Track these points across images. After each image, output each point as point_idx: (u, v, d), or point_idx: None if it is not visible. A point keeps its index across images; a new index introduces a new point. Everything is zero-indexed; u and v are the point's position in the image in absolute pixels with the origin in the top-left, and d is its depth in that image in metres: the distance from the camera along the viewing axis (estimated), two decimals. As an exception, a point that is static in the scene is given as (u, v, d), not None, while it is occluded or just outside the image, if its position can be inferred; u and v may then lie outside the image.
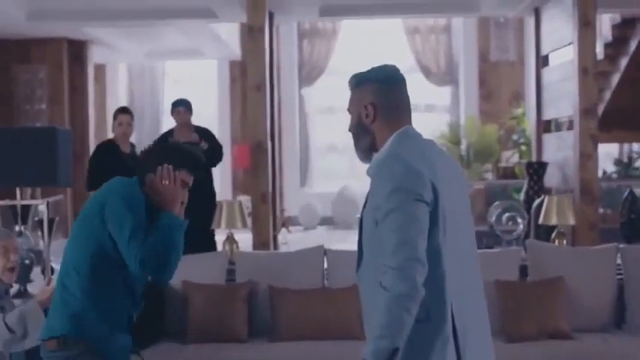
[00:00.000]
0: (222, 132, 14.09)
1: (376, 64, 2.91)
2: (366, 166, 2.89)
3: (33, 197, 8.99)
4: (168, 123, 10.40)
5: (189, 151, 3.56)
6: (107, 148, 7.11)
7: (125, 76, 15.45)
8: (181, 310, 5.35)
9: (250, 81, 7.73)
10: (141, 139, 13.98)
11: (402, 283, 2.55)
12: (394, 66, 2.89)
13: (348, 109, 2.90)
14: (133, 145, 7.24)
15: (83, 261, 3.30)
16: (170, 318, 5.42)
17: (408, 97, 2.86)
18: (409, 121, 2.84)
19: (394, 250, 2.58)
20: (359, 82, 2.84)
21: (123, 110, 7.22)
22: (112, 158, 6.88)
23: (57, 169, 5.57)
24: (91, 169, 7.02)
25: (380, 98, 2.80)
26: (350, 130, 2.90)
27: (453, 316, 2.68)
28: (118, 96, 14.76)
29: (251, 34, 7.77)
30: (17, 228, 6.15)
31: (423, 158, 2.71)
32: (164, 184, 3.39)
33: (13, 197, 6.10)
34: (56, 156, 5.56)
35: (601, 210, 10.84)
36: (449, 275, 2.68)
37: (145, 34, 12.04)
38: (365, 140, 2.85)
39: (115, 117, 7.11)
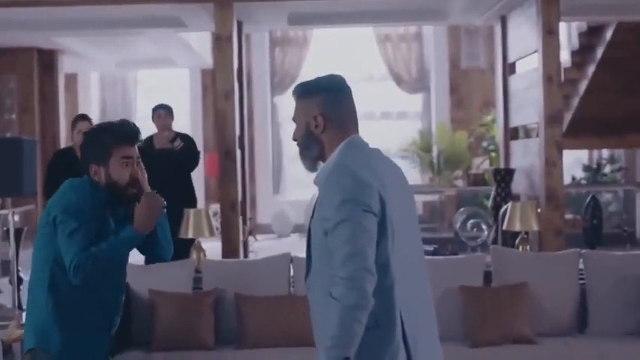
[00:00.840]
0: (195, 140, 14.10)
1: (322, 75, 2.95)
2: None
3: (3, 207, 8.98)
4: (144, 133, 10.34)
5: (113, 125, 3.43)
6: (64, 155, 7.05)
7: (97, 85, 15.42)
8: (148, 318, 5.37)
9: (219, 89, 7.76)
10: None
11: (352, 294, 2.59)
12: (340, 76, 2.93)
13: (294, 119, 2.93)
14: None
15: (42, 271, 3.30)
16: (136, 326, 5.43)
17: (354, 106, 2.91)
18: (356, 130, 2.90)
19: (344, 261, 2.62)
20: (307, 92, 2.89)
21: (82, 117, 7.16)
22: (69, 166, 6.84)
23: (22, 179, 5.56)
24: (47, 177, 7.00)
25: (329, 108, 2.85)
26: (295, 139, 2.94)
27: (402, 322, 2.72)
28: (90, 105, 14.73)
29: (219, 43, 7.80)
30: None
31: (370, 168, 2.76)
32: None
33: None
34: (21, 166, 5.55)
35: (570, 216, 10.94)
36: (397, 283, 2.73)
37: (116, 43, 12.03)
38: (313, 150, 2.88)
39: (73, 125, 7.04)
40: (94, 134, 3.41)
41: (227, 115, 7.70)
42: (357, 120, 2.92)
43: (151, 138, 7.76)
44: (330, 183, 2.76)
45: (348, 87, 2.91)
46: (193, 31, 10.17)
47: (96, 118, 15.16)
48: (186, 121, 14.25)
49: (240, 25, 8.66)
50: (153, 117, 7.74)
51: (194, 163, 7.69)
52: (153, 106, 7.84)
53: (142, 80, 15.79)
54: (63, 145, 11.85)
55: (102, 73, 15.26)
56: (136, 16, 9.16)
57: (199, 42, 12.36)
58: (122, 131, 3.36)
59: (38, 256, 3.34)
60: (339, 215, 2.67)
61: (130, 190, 3.33)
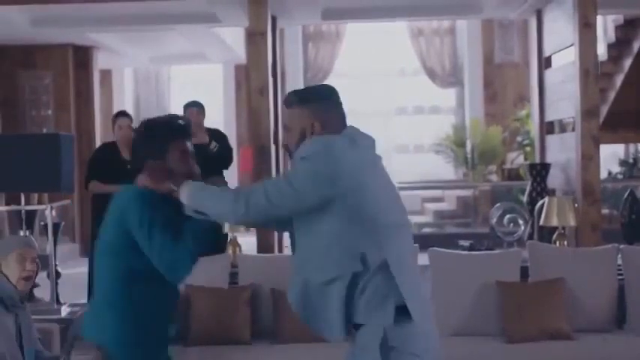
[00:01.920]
0: (228, 136, 14.14)
1: (314, 85, 3.36)
2: None
3: (40, 202, 9.07)
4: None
5: (167, 119, 3.37)
6: (108, 149, 7.15)
7: (131, 81, 15.51)
8: (184, 313, 5.38)
9: (253, 85, 7.76)
10: (147, 143, 14.01)
11: (248, 208, 2.94)
12: (331, 85, 3.17)
13: (287, 126, 3.11)
14: None
15: (112, 291, 3.22)
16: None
17: (344, 113, 3.13)
18: None
19: (274, 186, 2.96)
20: (303, 99, 3.08)
21: (122, 114, 7.26)
22: (112, 160, 6.94)
23: (60, 175, 5.60)
24: (90, 169, 7.07)
25: (325, 115, 3.05)
26: (287, 145, 3.13)
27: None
28: (124, 101, 14.82)
29: (253, 38, 7.80)
30: (22, 233, 6.20)
31: (350, 139, 3.00)
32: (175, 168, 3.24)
33: (19, 203, 6.15)
34: (59, 162, 5.60)
35: (606, 211, 10.85)
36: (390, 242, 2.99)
37: (149, 39, 12.09)
38: None
39: (114, 121, 7.16)
40: (149, 129, 3.32)
41: (261, 111, 7.70)
42: (346, 125, 3.11)
43: None
44: (306, 142, 3.01)
45: (339, 96, 3.13)
46: (227, 26, 10.20)
47: (130, 114, 15.29)
48: (220, 117, 14.30)
49: (274, 20, 8.66)
50: (185, 114, 7.76)
51: (229, 162, 7.72)
52: (184, 103, 7.86)
53: (176, 76, 15.86)
54: (98, 140, 11.94)
55: (136, 69, 15.35)
56: (171, 12, 9.20)
57: (233, 37, 12.40)
58: (177, 125, 3.32)
59: (108, 267, 3.27)
60: (300, 163, 2.95)
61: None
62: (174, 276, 3.14)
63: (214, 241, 3.29)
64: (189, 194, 3.08)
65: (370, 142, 3.09)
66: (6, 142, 5.94)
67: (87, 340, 3.27)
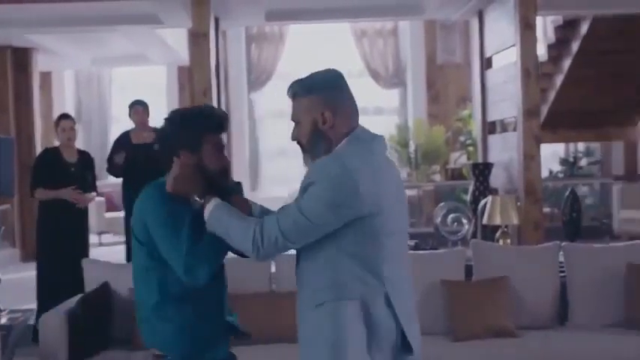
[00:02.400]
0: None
1: (317, 70, 2.94)
2: None
3: (-21, 208, 8.92)
4: (116, 130, 10.30)
5: (200, 110, 3.15)
6: (50, 154, 7.04)
7: (72, 83, 15.30)
8: (129, 317, 5.31)
9: (196, 86, 7.73)
10: (89, 145, 13.87)
11: (263, 249, 2.76)
12: (337, 70, 2.93)
13: (295, 118, 2.90)
14: (82, 152, 7.15)
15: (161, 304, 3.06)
16: (117, 325, 5.38)
17: (354, 97, 2.93)
18: (358, 121, 2.91)
19: (290, 223, 2.74)
20: (310, 88, 2.86)
21: (64, 116, 7.16)
22: (55, 165, 6.85)
23: (-1, 179, 5.50)
24: (34, 176, 6.96)
25: (335, 103, 2.84)
26: (298, 138, 2.91)
27: (391, 302, 2.82)
28: (65, 104, 14.61)
29: (196, 39, 7.77)
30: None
31: (366, 163, 2.78)
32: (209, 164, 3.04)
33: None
34: (-3, 165, 5.49)
35: (548, 209, 11.00)
36: (387, 267, 2.83)
37: (91, 40, 11.94)
38: (321, 147, 2.87)
39: (56, 124, 7.05)
40: (184, 119, 3.10)
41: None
42: (358, 111, 2.92)
43: (127, 133, 7.78)
44: (317, 166, 2.80)
45: (346, 81, 2.92)
46: (170, 27, 10.11)
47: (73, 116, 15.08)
48: (163, 119, 14.14)
49: (217, 21, 8.63)
50: (130, 113, 7.78)
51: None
52: (130, 102, 7.86)
53: (117, 78, 15.68)
54: (39, 143, 11.75)
55: (77, 71, 15.14)
56: (113, 13, 9.10)
57: (175, 39, 12.30)
58: (214, 117, 3.11)
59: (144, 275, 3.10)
60: (315, 191, 2.73)
61: (222, 180, 3.10)
62: (191, 281, 2.96)
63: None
64: (214, 217, 2.89)
65: (382, 144, 2.91)
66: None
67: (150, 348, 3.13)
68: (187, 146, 3.05)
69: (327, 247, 2.77)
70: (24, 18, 9.38)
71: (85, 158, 7.05)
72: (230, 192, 3.08)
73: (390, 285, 2.80)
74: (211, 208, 2.90)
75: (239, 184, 3.18)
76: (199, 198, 2.95)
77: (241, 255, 3.02)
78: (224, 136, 3.13)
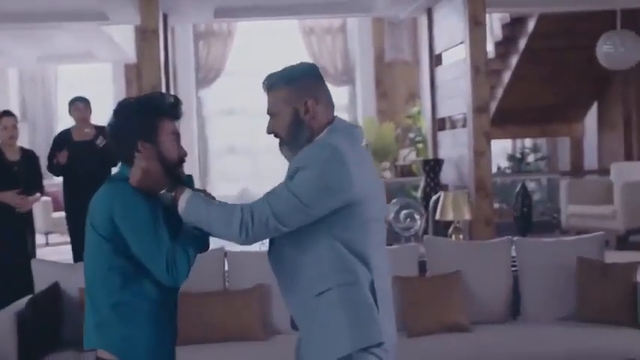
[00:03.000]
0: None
1: (287, 64, 2.95)
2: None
3: None
4: (63, 128, 10.11)
5: (152, 96, 3.00)
6: None
7: (16, 81, 15.03)
8: (79, 318, 5.22)
9: (145, 83, 7.64)
10: (34, 145, 13.63)
11: (251, 231, 2.72)
12: (311, 63, 2.99)
13: (273, 111, 2.88)
14: (25, 151, 6.99)
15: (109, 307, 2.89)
16: (67, 325, 5.29)
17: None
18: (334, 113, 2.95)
19: (282, 201, 2.73)
20: (289, 78, 2.86)
21: (6, 113, 6.97)
22: None
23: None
24: None
25: (318, 92, 2.86)
26: (275, 130, 2.89)
27: (374, 290, 2.82)
28: (9, 102, 14.34)
29: (144, 35, 7.67)
30: None
31: (354, 150, 2.80)
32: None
33: None
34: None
35: (497, 205, 11.10)
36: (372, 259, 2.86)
37: (35, 37, 11.73)
38: (303, 137, 2.86)
39: None
40: (137, 107, 2.94)
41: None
42: (333, 103, 2.95)
43: (68, 131, 7.64)
44: (307, 152, 2.80)
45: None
46: (117, 24, 9.98)
47: (16, 114, 14.81)
48: (112, 111, 13.96)
49: (165, 18, 8.54)
50: (70, 110, 7.64)
51: (116, 158, 7.53)
52: (70, 99, 7.72)
53: (63, 76, 15.44)
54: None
55: (21, 69, 14.88)
56: (58, 9, 8.95)
57: (122, 36, 12.15)
58: (168, 102, 2.95)
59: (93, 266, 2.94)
60: (307, 175, 2.72)
61: (178, 171, 2.97)
62: (173, 280, 2.82)
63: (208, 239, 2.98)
64: (191, 207, 2.80)
65: (361, 133, 2.92)
66: None
67: (90, 349, 2.95)
68: (144, 135, 2.90)
69: (322, 236, 2.77)
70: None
71: (28, 157, 6.88)
72: (186, 183, 2.98)
73: (375, 272, 2.83)
74: (186, 198, 2.81)
75: (190, 176, 3.09)
76: (169, 191, 2.85)
77: (205, 249, 2.95)
78: (178, 125, 3.02)
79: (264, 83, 2.92)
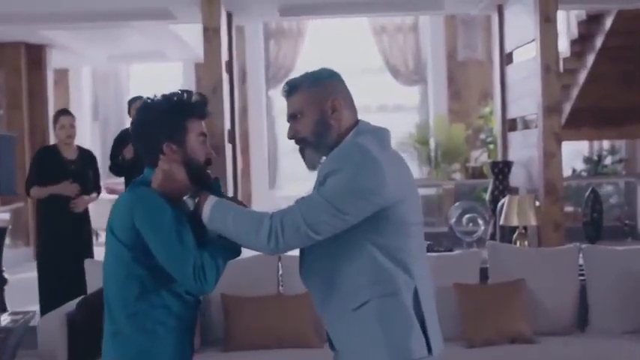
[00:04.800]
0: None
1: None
2: None
3: (-7, 206, 8.80)
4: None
5: (178, 94, 2.82)
6: (47, 152, 6.77)
7: (89, 80, 15.22)
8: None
9: (206, 82, 7.56)
10: (106, 144, 13.76)
11: (292, 238, 2.57)
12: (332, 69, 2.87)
13: (296, 114, 2.77)
14: (82, 150, 6.92)
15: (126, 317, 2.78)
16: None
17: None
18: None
19: (314, 210, 2.58)
20: (313, 80, 2.77)
21: (64, 112, 6.91)
22: (52, 163, 6.59)
23: (-2, 177, 5.35)
24: (29, 174, 6.68)
25: (343, 93, 2.77)
26: (299, 133, 2.77)
27: (419, 298, 2.69)
28: (82, 100, 14.53)
29: (207, 35, 7.59)
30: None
31: (384, 150, 2.70)
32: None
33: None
34: (-4, 163, 5.34)
35: (571, 209, 10.74)
36: (414, 263, 2.71)
37: (107, 37, 11.83)
38: (329, 137, 2.75)
39: (55, 120, 6.77)
40: (163, 106, 2.80)
41: (215, 110, 7.47)
42: (355, 107, 2.84)
43: (128, 130, 7.58)
44: (336, 154, 2.67)
45: None
46: (183, 23, 9.96)
47: (88, 113, 15.02)
48: (136, 110, 14.03)
49: (229, 16, 8.46)
50: (129, 109, 7.55)
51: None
52: (129, 98, 7.67)
53: (135, 74, 15.60)
54: (53, 141, 11.63)
55: (94, 68, 15.06)
56: (125, 8, 8.96)
57: (191, 35, 12.15)
58: (195, 102, 2.81)
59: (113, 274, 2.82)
60: (338, 179, 2.58)
61: (205, 174, 2.83)
62: (200, 289, 2.69)
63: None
64: (217, 214, 2.65)
65: (389, 135, 2.77)
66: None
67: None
68: (170, 136, 2.77)
69: (358, 244, 2.63)
70: (36, 13, 9.26)
71: (85, 156, 6.82)
72: (212, 188, 2.83)
73: (418, 280, 2.68)
74: (211, 205, 2.67)
75: (217, 179, 2.93)
76: (193, 197, 2.70)
77: (236, 255, 2.81)
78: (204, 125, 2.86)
79: (284, 88, 2.81)
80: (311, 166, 2.79)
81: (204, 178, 2.82)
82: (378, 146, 2.66)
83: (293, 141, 2.82)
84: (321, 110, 2.74)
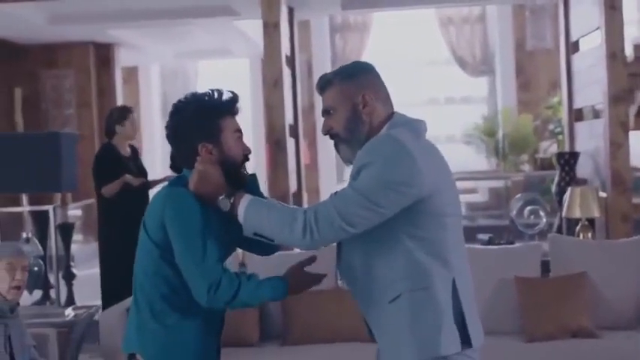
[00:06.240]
0: (256, 131, 14.03)
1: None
2: None
3: (63, 202, 8.98)
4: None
5: (209, 93, 2.81)
6: (111, 151, 6.79)
7: (158, 77, 15.43)
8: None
9: (267, 77, 7.57)
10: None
11: (327, 232, 2.55)
12: (367, 61, 2.87)
13: (329, 109, 2.76)
14: (131, 146, 6.91)
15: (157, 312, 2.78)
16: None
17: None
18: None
19: (349, 204, 2.56)
20: (348, 75, 2.76)
21: (130, 109, 6.92)
22: (115, 160, 6.63)
23: (60, 175, 5.46)
24: (98, 175, 6.70)
25: (376, 87, 2.75)
26: (333, 129, 2.76)
27: (457, 290, 2.66)
28: (152, 98, 14.74)
29: (267, 29, 7.61)
30: (24, 235, 6.07)
31: (419, 143, 2.67)
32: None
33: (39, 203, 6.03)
34: (59, 161, 5.45)
35: (640, 200, 10.49)
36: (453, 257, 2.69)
37: (172, 34, 11.98)
38: (362, 131, 2.73)
39: (124, 116, 6.74)
40: (195, 105, 2.78)
41: (276, 105, 7.48)
42: (391, 99, 2.82)
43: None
44: (369, 147, 2.64)
45: None
46: (245, 19, 10.02)
47: (158, 110, 15.23)
48: (248, 112, 14.16)
49: (291, 11, 8.48)
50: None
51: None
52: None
53: (203, 71, 15.75)
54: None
55: (162, 65, 15.25)
56: (187, 5, 9.06)
57: (256, 31, 12.22)
58: (227, 100, 2.79)
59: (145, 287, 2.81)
60: (372, 171, 2.56)
61: (242, 172, 2.82)
62: (209, 301, 2.67)
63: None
64: (252, 213, 2.64)
65: (425, 127, 2.74)
66: (5, 142, 5.79)
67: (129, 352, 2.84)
68: (206, 136, 2.75)
69: (394, 237, 2.61)
70: (101, 13, 9.44)
71: (134, 151, 6.88)
72: (248, 185, 2.83)
73: (456, 271, 2.65)
74: (246, 204, 2.66)
75: (254, 175, 2.92)
76: (228, 197, 2.69)
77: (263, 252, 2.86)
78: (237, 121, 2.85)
79: (318, 83, 2.79)
80: (346, 160, 2.77)
81: (240, 177, 2.82)
82: (412, 138, 2.63)
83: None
84: (352, 105, 2.72)
